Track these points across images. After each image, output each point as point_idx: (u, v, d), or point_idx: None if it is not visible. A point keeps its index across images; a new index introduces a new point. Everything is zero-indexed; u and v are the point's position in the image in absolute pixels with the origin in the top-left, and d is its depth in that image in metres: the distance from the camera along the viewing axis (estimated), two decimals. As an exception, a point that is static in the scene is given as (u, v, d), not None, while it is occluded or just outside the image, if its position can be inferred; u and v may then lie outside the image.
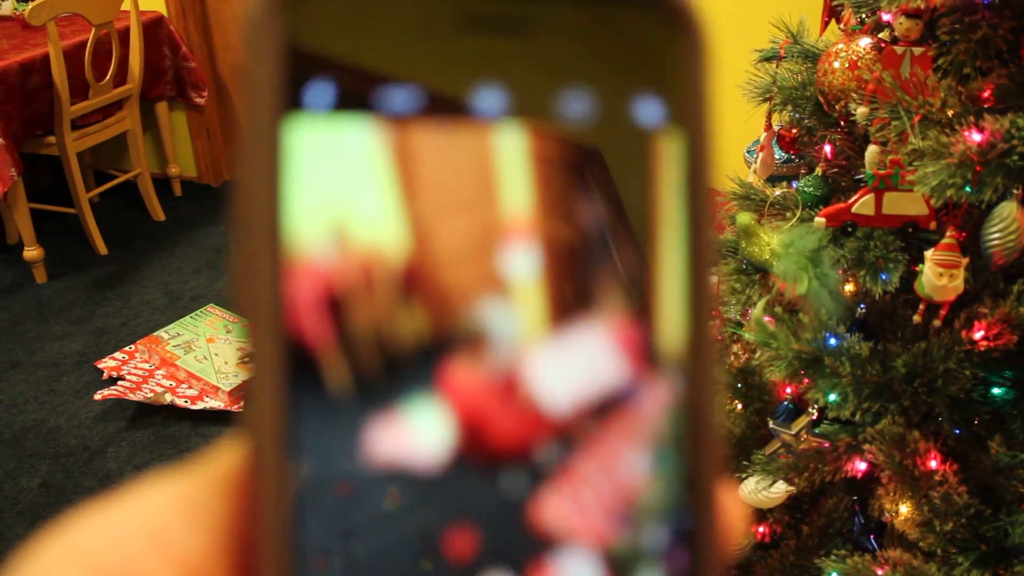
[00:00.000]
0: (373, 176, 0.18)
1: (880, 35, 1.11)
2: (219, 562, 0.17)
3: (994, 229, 0.93)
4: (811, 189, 1.19)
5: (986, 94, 0.96)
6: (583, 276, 0.19)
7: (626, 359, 0.19)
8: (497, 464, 0.19)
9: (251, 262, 0.17)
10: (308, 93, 0.18)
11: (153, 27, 3.42)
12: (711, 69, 0.19)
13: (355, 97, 0.18)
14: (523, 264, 0.19)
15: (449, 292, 0.19)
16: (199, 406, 2.36)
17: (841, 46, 1.11)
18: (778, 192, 1.28)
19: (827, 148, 1.21)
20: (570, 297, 0.19)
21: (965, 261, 0.97)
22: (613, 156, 0.20)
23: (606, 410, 0.19)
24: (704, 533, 0.19)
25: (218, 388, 2.39)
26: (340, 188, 0.18)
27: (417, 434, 0.18)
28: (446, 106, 0.18)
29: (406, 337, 0.18)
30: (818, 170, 1.21)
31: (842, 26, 1.23)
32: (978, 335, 1.01)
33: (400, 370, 0.18)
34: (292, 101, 0.18)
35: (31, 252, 3.06)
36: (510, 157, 0.19)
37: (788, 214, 1.21)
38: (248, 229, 0.17)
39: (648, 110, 0.19)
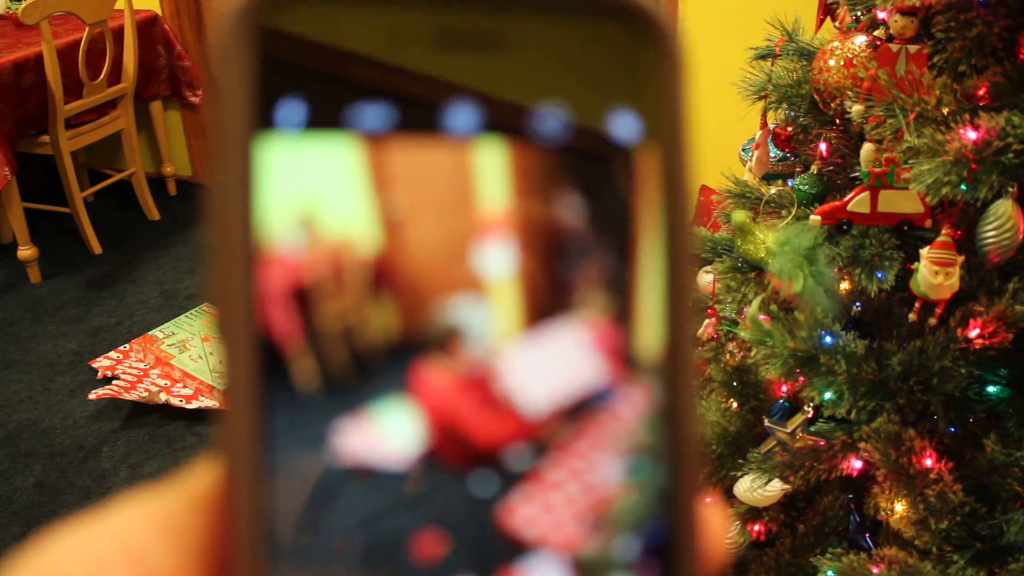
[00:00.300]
0: (344, 190, 0.18)
1: (875, 33, 1.10)
2: None
3: (989, 227, 0.93)
4: (806, 187, 1.18)
5: (981, 92, 0.96)
6: (559, 278, 0.19)
7: (602, 363, 0.19)
8: (467, 467, 0.19)
9: (224, 274, 0.17)
10: (279, 110, 0.18)
11: (147, 26, 3.41)
12: (687, 82, 0.19)
13: (327, 114, 0.18)
14: (498, 264, 0.19)
15: (422, 291, 0.19)
16: (194, 405, 2.35)
17: (836, 44, 1.11)
18: (773, 190, 1.28)
19: (822, 146, 1.21)
20: (546, 299, 0.19)
21: (960, 259, 0.97)
22: (589, 169, 0.19)
23: (580, 414, 0.19)
24: (683, 545, 0.19)
25: (213, 387, 2.38)
26: (311, 201, 0.18)
27: (387, 436, 0.18)
28: (419, 122, 0.18)
29: (378, 336, 0.18)
30: (813, 168, 1.21)
31: (837, 24, 1.23)
32: (973, 333, 1.01)
33: (372, 369, 0.18)
34: (263, 118, 0.17)
35: (25, 251, 3.05)
36: (483, 169, 0.19)
37: (783, 212, 1.21)
38: (220, 243, 0.17)
39: (623, 124, 0.19)
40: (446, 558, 0.18)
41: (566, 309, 0.19)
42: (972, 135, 0.87)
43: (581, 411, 0.19)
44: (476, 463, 0.19)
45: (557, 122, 0.19)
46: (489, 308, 0.19)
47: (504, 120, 0.19)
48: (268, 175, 0.18)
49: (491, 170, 0.19)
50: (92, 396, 2.38)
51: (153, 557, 0.17)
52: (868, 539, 1.23)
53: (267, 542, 0.17)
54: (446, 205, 0.19)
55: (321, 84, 0.18)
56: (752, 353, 1.16)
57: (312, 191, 0.18)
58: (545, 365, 0.19)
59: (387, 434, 0.18)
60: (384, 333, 0.18)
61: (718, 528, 0.20)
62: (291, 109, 0.18)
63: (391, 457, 0.18)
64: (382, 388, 0.18)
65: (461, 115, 0.18)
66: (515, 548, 0.19)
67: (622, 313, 0.19)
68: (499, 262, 0.19)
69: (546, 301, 0.19)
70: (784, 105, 1.28)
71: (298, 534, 0.17)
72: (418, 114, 0.18)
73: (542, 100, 0.19)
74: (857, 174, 1.08)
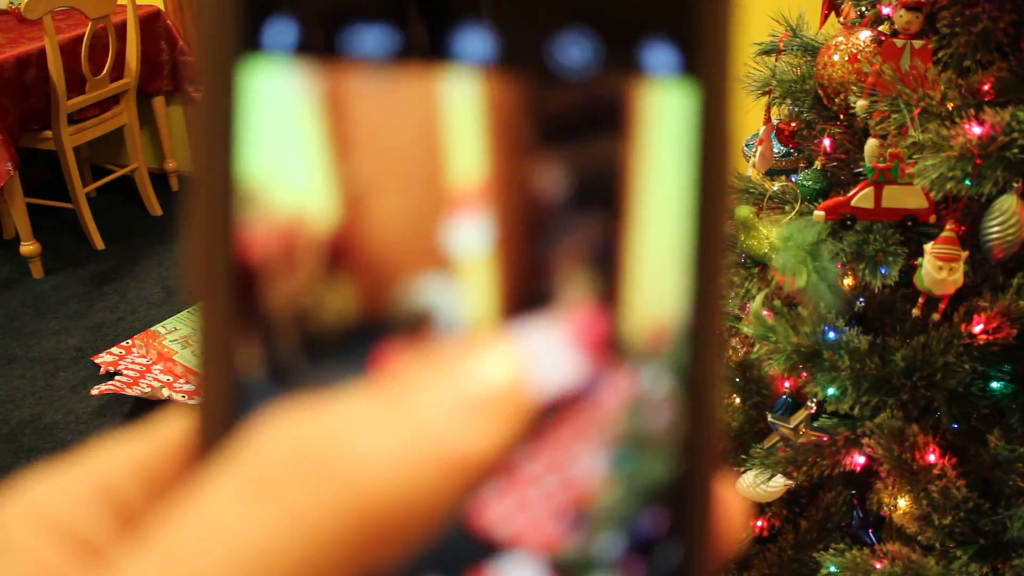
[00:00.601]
0: (316, 135, 0.17)
1: (880, 28, 1.10)
2: None
3: (994, 222, 0.93)
4: (810, 183, 1.18)
5: (986, 87, 0.96)
6: (546, 250, 0.17)
7: (588, 348, 0.17)
8: None
9: (202, 211, 0.17)
10: (266, 33, 0.16)
11: (150, 21, 3.41)
12: (733, 10, 0.17)
13: (315, 38, 0.16)
14: (472, 236, 0.17)
15: (386, 268, 0.17)
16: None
17: (841, 39, 1.11)
18: (777, 186, 1.28)
19: (826, 141, 1.21)
20: (528, 276, 0.17)
21: (964, 255, 0.97)
22: (611, 112, 0.17)
23: (562, 404, 0.17)
24: (698, 534, 0.18)
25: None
26: (279, 147, 0.17)
27: None
28: (419, 49, 0.16)
29: (341, 317, 0.17)
30: (817, 164, 1.21)
31: (842, 19, 1.23)
32: (977, 329, 1.01)
33: (333, 355, 0.17)
34: (248, 41, 0.16)
35: (28, 247, 3.06)
36: (480, 108, 0.17)
37: (787, 208, 1.21)
38: (200, 175, 0.16)
39: (657, 56, 0.16)
40: (412, 558, 0.16)
41: (553, 286, 0.17)
42: (977, 130, 0.87)
43: (562, 401, 0.17)
44: None
45: (572, 51, 0.16)
46: (461, 287, 0.17)
47: (519, 50, 0.16)
48: (249, 104, 0.16)
49: (491, 109, 0.16)
50: (95, 392, 2.39)
51: (128, 498, 0.17)
52: (871, 535, 1.23)
53: None
54: (430, 155, 0.17)
55: (308, 6, 0.16)
56: (755, 349, 1.16)
57: (282, 134, 0.16)
58: (525, 350, 0.17)
59: None
60: (347, 313, 0.17)
61: (736, 512, 0.19)
62: (279, 34, 0.16)
63: None
64: (342, 375, 0.17)
65: (470, 43, 0.16)
66: (486, 548, 0.17)
67: (618, 289, 0.17)
68: (474, 235, 0.17)
69: (530, 277, 0.17)
70: (788, 101, 1.28)
71: None
72: (418, 43, 0.16)
73: (565, 27, 0.16)
74: (861, 170, 1.08)
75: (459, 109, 0.17)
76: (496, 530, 0.17)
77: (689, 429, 0.18)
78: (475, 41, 0.16)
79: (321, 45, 0.16)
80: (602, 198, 0.17)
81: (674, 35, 0.16)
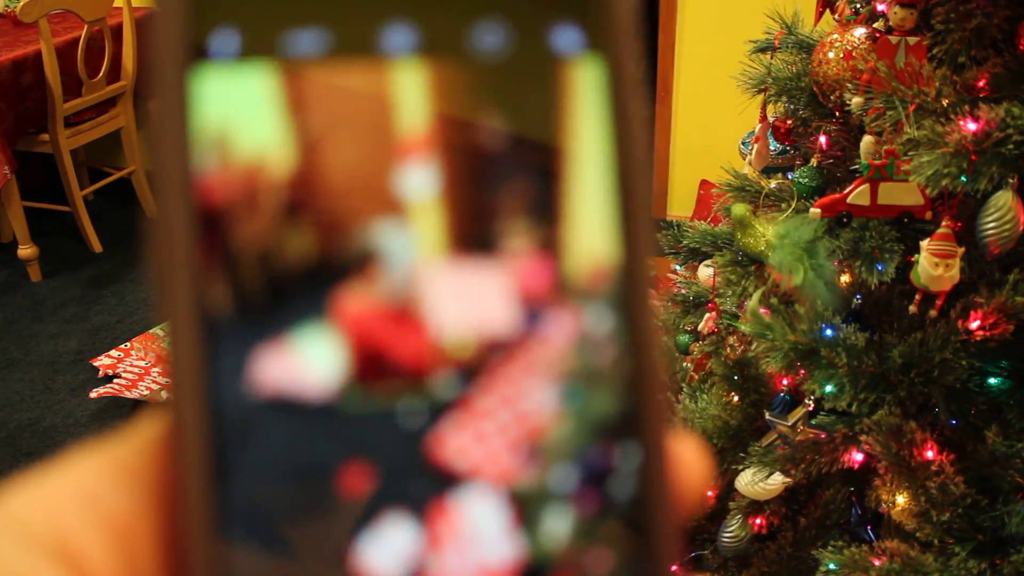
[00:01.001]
0: (265, 115, 0.18)
1: (875, 25, 1.10)
2: (147, 521, 0.17)
3: (990, 219, 0.93)
4: (806, 180, 1.18)
5: (981, 83, 0.96)
6: (488, 199, 0.19)
7: (536, 285, 0.19)
8: (392, 397, 0.18)
9: (162, 199, 0.18)
10: (212, 42, 0.18)
11: (146, 23, 3.40)
12: None
13: (258, 43, 0.18)
14: (421, 184, 0.19)
15: (341, 213, 0.18)
16: (195, 403, 2.35)
17: (836, 36, 1.11)
18: (773, 183, 1.28)
19: (822, 139, 1.21)
20: (475, 219, 0.19)
21: (961, 251, 0.97)
22: (524, 84, 0.19)
23: (513, 340, 0.18)
24: (652, 468, 0.18)
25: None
26: (236, 127, 0.18)
27: (308, 365, 0.18)
28: (352, 45, 0.18)
29: (298, 260, 0.18)
30: (813, 161, 1.21)
31: (836, 16, 1.23)
32: (974, 325, 1.01)
33: (292, 295, 0.18)
34: (196, 52, 0.18)
35: (25, 250, 3.05)
36: (410, 89, 0.19)
37: (783, 205, 1.21)
38: (160, 173, 0.18)
39: (565, 38, 0.19)
40: (375, 492, 0.17)
41: (496, 231, 0.19)
42: (972, 126, 0.87)
43: (513, 337, 0.18)
44: (401, 392, 0.18)
45: (490, 36, 0.19)
46: (412, 230, 0.18)
47: (435, 37, 0.18)
48: (200, 105, 0.18)
49: (419, 89, 0.18)
50: (93, 395, 2.39)
51: (109, 503, 0.17)
52: (870, 532, 1.23)
53: (212, 480, 0.17)
54: (369, 126, 0.18)
55: (250, 12, 0.18)
56: (753, 347, 1.16)
57: (236, 118, 0.18)
58: (473, 290, 0.18)
59: (308, 363, 0.18)
60: (304, 256, 0.18)
61: (692, 463, 0.19)
62: (223, 39, 0.18)
63: (313, 387, 0.18)
64: (302, 315, 0.18)
65: (396, 37, 0.18)
66: (446, 479, 0.18)
67: (557, 234, 0.19)
68: (423, 182, 0.19)
69: (475, 222, 0.19)
70: (784, 98, 1.28)
71: (231, 468, 0.17)
72: (347, 36, 0.18)
73: (474, 14, 0.19)
74: (857, 167, 1.08)
75: (400, 85, 0.18)
76: (454, 463, 0.18)
77: (632, 364, 0.19)
78: (403, 35, 0.18)
79: (264, 49, 0.18)
80: (534, 157, 0.19)
81: (578, 20, 0.19)
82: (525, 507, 0.18)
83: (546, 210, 0.19)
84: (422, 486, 0.18)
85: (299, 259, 0.18)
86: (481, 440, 0.18)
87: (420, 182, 0.18)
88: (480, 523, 0.18)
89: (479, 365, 0.18)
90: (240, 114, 0.18)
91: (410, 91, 0.18)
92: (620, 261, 0.19)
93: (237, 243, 0.18)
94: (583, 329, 0.19)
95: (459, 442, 0.18)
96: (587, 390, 0.19)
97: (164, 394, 0.18)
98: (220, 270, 0.18)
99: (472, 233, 0.19)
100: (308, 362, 0.18)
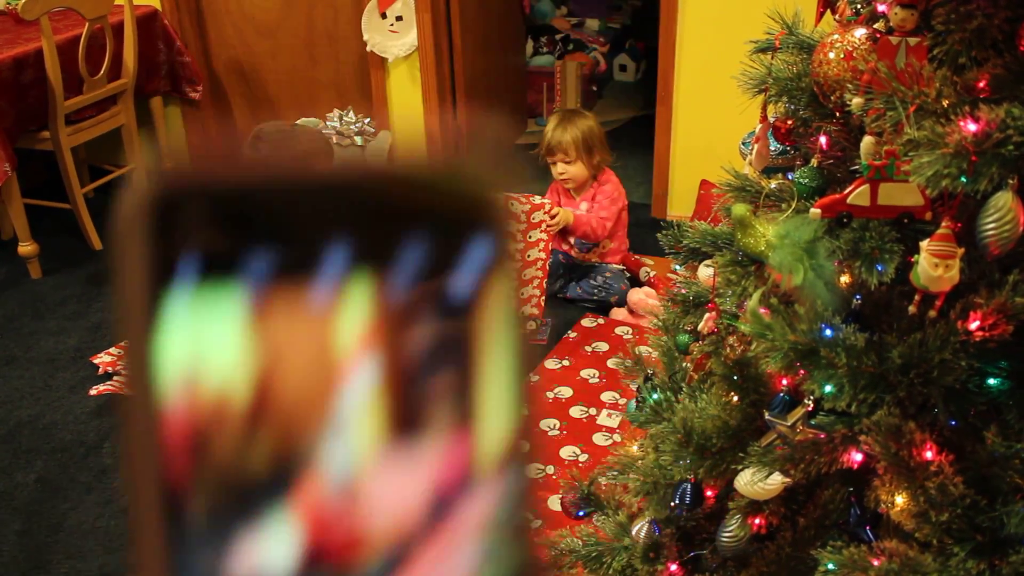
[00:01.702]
0: (228, 333, 0.21)
1: (875, 25, 1.10)
2: None
3: (990, 219, 0.93)
4: (807, 180, 1.18)
5: (981, 84, 0.96)
6: (415, 400, 0.22)
7: (454, 468, 0.22)
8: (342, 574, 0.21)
9: (133, 414, 0.21)
10: (174, 271, 0.21)
11: (147, 21, 3.40)
12: (510, 243, 0.23)
13: (216, 268, 0.21)
14: (360, 392, 0.22)
15: (294, 425, 0.21)
16: (195, 401, 2.36)
17: (836, 37, 1.11)
18: (773, 183, 1.28)
19: (822, 139, 1.21)
20: (405, 418, 0.22)
21: (961, 251, 0.97)
22: (454, 294, 0.22)
23: (440, 514, 0.22)
24: None
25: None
26: (200, 346, 0.21)
27: (272, 557, 0.21)
28: (296, 266, 0.21)
29: (253, 466, 0.21)
30: (813, 161, 1.21)
31: (837, 17, 1.23)
32: (974, 325, 1.01)
33: (247, 499, 0.21)
34: (161, 278, 0.21)
35: (26, 248, 3.06)
36: (350, 307, 0.22)
37: (783, 205, 1.21)
38: (131, 384, 0.21)
39: (478, 251, 0.22)
40: None
41: (422, 424, 0.22)
42: (972, 127, 0.87)
43: (440, 511, 0.22)
44: (348, 572, 0.22)
45: (419, 258, 0.22)
46: (354, 432, 0.22)
47: (372, 258, 0.22)
48: (164, 330, 0.21)
49: (358, 307, 0.22)
50: (93, 392, 2.39)
51: None
52: (869, 532, 1.23)
53: None
54: (316, 344, 0.22)
55: (209, 249, 0.21)
56: (752, 347, 1.16)
57: (200, 340, 0.21)
58: (398, 484, 0.22)
59: (271, 555, 0.21)
60: (257, 463, 0.21)
61: None
62: (184, 268, 0.21)
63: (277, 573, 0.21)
64: (266, 513, 0.21)
65: (334, 257, 0.21)
66: None
67: (472, 421, 0.22)
68: (361, 390, 0.22)
69: (405, 420, 0.22)
70: (784, 98, 1.28)
71: None
72: (295, 259, 0.21)
73: (405, 240, 0.22)
74: (857, 167, 1.08)
75: (340, 301, 0.22)
76: None
77: (526, 524, 0.23)
78: (340, 253, 0.22)
79: (221, 270, 0.21)
80: (453, 356, 0.23)
81: (489, 235, 0.23)
82: None
83: (464, 399, 0.22)
84: None
85: (254, 465, 0.21)
86: None
87: (357, 390, 0.22)
88: None
89: (413, 539, 0.22)
90: (204, 337, 0.21)
91: (349, 304, 0.22)
92: (516, 438, 0.23)
93: (202, 454, 0.21)
94: (487, 511, 0.22)
95: None
96: (497, 549, 0.22)
97: None
98: (185, 480, 0.21)
99: (400, 427, 0.22)
100: (262, 551, 0.21)
